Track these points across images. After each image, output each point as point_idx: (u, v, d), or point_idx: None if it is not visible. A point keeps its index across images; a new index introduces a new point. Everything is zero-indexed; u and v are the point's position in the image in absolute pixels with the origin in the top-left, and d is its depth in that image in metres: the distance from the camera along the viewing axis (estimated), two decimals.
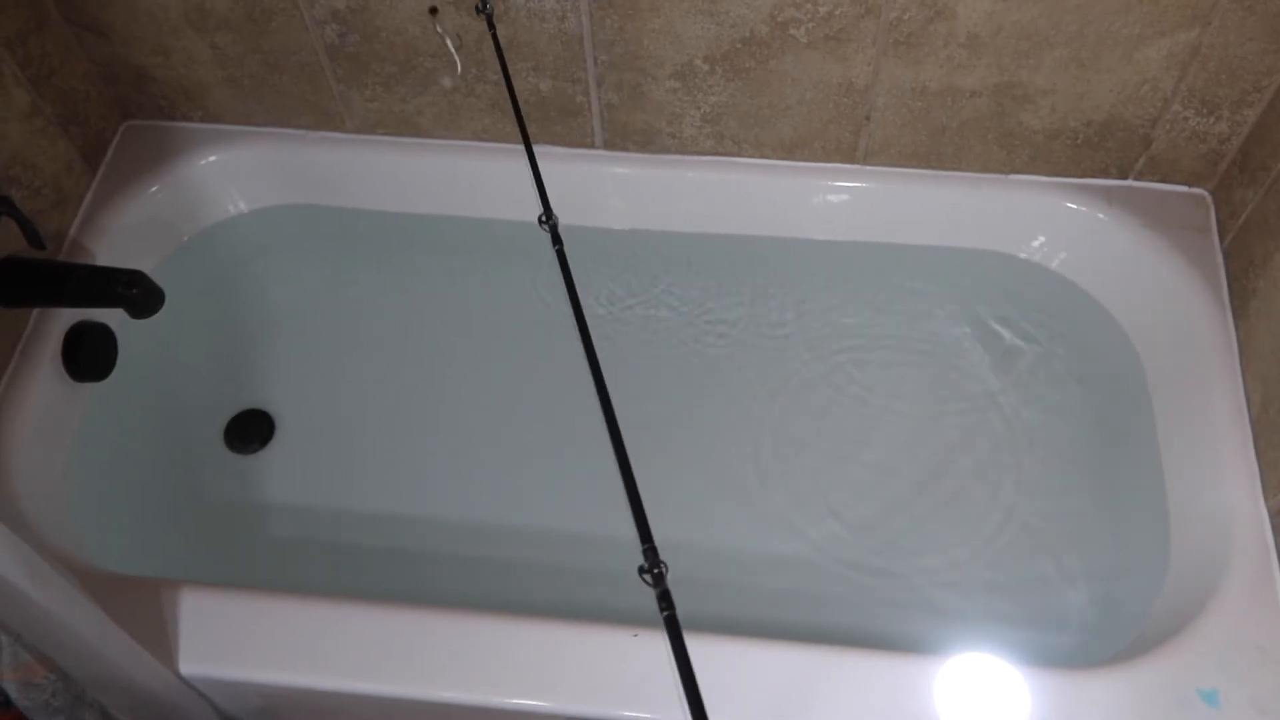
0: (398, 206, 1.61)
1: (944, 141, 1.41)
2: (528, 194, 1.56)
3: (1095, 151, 1.40)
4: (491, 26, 1.26)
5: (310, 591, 1.13)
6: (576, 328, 0.92)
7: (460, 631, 1.09)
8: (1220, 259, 1.36)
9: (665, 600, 0.72)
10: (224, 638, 1.09)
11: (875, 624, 1.31)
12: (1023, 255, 1.50)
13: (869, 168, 1.47)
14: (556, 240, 1.03)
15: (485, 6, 1.25)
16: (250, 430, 1.50)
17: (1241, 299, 1.29)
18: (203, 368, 1.56)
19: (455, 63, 1.38)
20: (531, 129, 1.50)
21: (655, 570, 0.74)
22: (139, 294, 1.26)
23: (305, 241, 1.65)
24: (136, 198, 1.50)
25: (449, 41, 1.35)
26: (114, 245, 1.46)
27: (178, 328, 1.52)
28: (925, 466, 1.43)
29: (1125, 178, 1.43)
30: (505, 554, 1.39)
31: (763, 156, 1.48)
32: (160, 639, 1.08)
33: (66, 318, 1.37)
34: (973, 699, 1.03)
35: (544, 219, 1.05)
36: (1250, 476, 1.17)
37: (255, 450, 1.49)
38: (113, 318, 1.42)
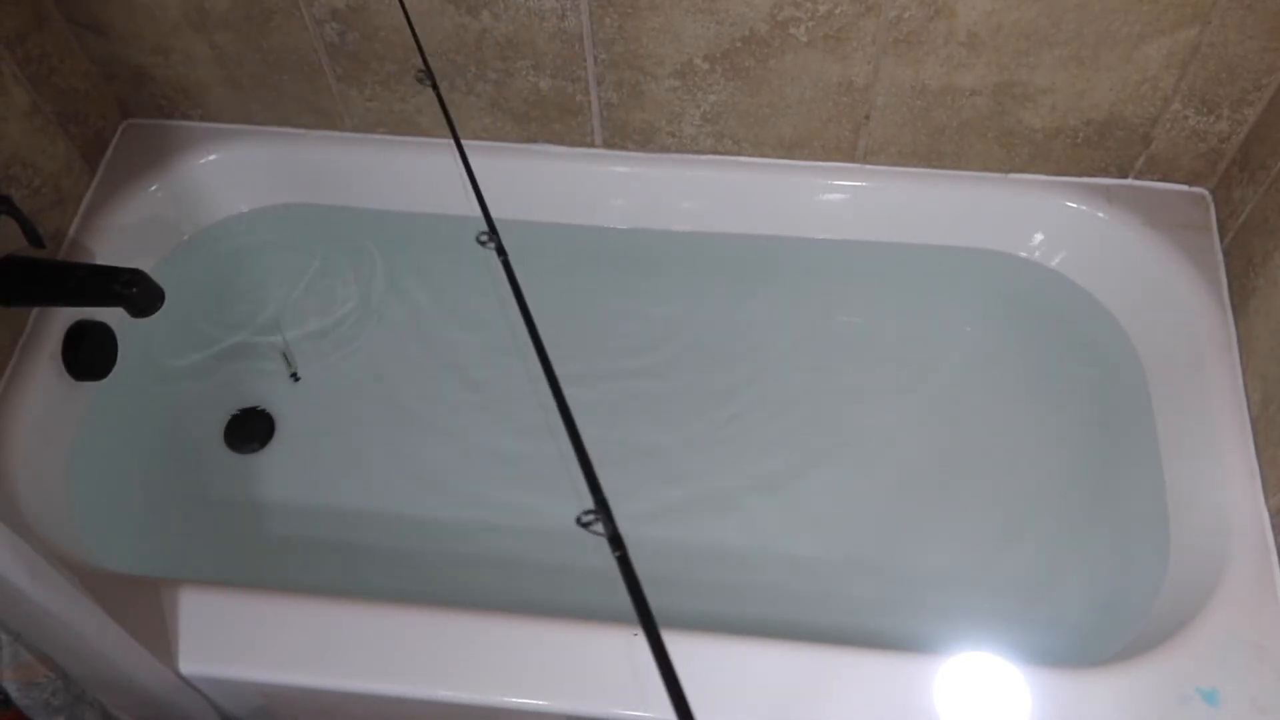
0: (397, 206, 1.61)
1: (944, 140, 1.41)
2: (529, 193, 1.57)
3: (1095, 150, 1.40)
4: (436, 90, 1.15)
5: (310, 591, 1.13)
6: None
7: (460, 631, 1.09)
8: (1220, 258, 1.35)
9: (616, 542, 0.67)
10: (224, 637, 1.09)
11: (875, 624, 1.31)
12: (1022, 254, 1.50)
13: (869, 166, 1.47)
14: (501, 251, 1.01)
15: (426, 77, 1.15)
16: (250, 430, 1.50)
17: (1241, 298, 1.29)
18: (203, 367, 1.56)
19: (291, 365, 1.53)
20: (531, 128, 1.50)
21: (600, 514, 0.68)
22: (139, 293, 1.26)
23: (305, 240, 1.65)
24: (136, 197, 1.50)
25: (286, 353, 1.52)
26: (114, 244, 1.46)
27: (178, 327, 1.52)
28: (924, 466, 1.43)
29: (1125, 176, 1.43)
30: (505, 554, 1.39)
31: (762, 155, 1.48)
32: (160, 638, 1.08)
33: (66, 317, 1.37)
34: (973, 698, 1.03)
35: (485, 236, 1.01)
36: (1250, 476, 1.17)
37: (255, 450, 1.49)
38: (113, 317, 1.42)
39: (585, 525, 0.69)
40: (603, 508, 0.69)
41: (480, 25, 1.35)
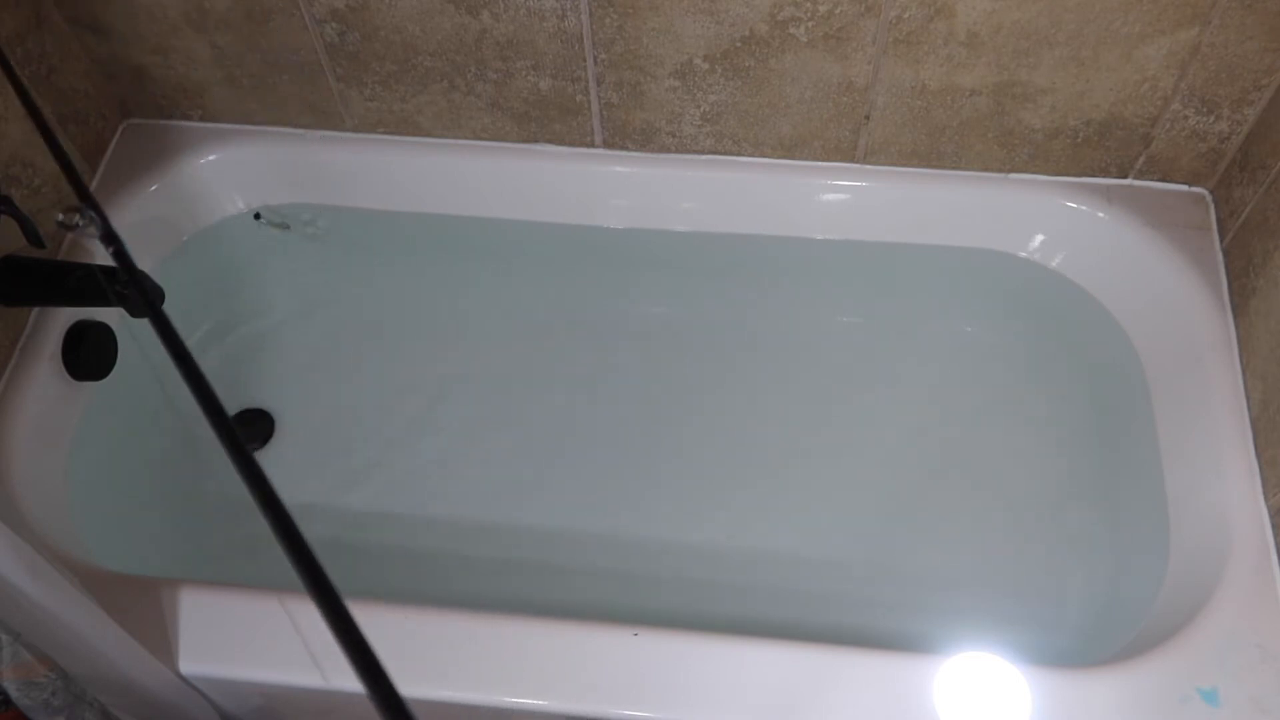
0: (397, 205, 1.61)
1: (944, 140, 1.41)
2: (528, 193, 1.57)
3: (1095, 150, 1.40)
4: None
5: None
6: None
7: (460, 631, 1.09)
8: (1220, 258, 1.35)
9: (110, 238, 0.60)
10: (224, 637, 1.09)
11: (875, 624, 1.31)
12: (1022, 254, 1.50)
13: (869, 167, 1.47)
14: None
15: None
16: (250, 430, 1.50)
17: (1241, 297, 1.29)
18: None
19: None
20: (531, 128, 1.50)
21: (88, 210, 0.58)
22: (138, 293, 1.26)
23: (305, 240, 1.65)
24: (136, 197, 1.50)
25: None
26: None
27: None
28: (924, 466, 1.43)
29: (1125, 177, 1.43)
30: (505, 554, 1.39)
31: (762, 155, 1.48)
32: (160, 638, 1.08)
33: (66, 316, 1.36)
34: (973, 698, 1.03)
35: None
36: (1250, 475, 1.17)
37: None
38: (112, 316, 1.42)
39: (70, 227, 0.60)
40: (86, 199, 0.60)
41: (480, 25, 1.35)
